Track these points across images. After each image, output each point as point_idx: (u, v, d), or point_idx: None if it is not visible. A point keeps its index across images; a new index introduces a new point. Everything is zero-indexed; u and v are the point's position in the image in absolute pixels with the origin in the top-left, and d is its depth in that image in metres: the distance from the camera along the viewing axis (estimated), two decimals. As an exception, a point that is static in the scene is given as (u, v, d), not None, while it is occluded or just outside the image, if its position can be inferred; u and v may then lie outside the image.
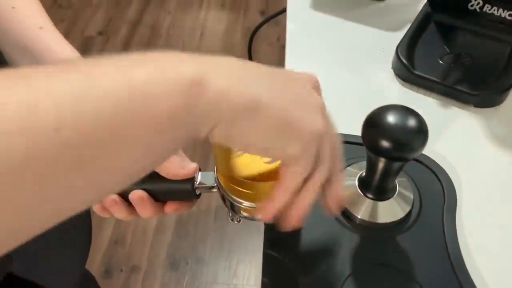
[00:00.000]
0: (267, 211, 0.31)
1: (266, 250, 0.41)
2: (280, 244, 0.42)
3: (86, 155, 0.19)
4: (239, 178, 0.35)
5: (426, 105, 0.53)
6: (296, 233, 0.42)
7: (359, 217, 0.42)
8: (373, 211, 0.42)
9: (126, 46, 2.09)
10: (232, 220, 0.41)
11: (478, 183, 0.46)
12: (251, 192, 0.37)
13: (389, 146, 0.36)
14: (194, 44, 2.13)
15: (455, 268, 0.39)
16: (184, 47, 2.11)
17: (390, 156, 0.36)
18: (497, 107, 0.53)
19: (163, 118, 0.21)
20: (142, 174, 0.23)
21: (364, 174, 0.42)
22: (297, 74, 0.30)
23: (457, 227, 0.42)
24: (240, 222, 0.41)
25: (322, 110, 0.29)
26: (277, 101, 0.26)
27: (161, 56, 0.23)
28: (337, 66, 0.58)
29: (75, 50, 0.48)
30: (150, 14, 2.23)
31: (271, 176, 0.34)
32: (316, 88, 0.32)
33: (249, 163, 0.35)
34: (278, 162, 0.33)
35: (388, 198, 0.42)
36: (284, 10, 0.71)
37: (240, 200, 0.37)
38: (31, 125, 0.17)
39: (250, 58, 1.07)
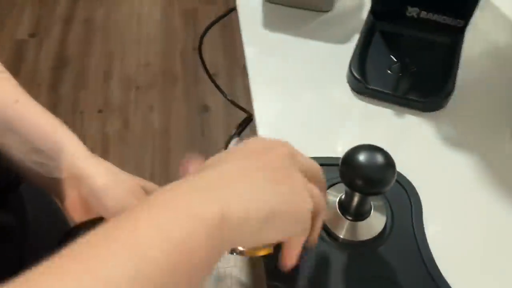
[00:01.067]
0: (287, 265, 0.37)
1: (269, 281, 0.47)
2: (279, 273, 0.47)
3: None
4: None
5: (382, 116, 0.59)
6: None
7: (341, 236, 0.48)
8: (353, 231, 0.48)
9: (62, 46, 2.02)
10: (231, 253, 0.47)
11: (437, 184, 0.53)
12: None
13: (364, 184, 0.41)
14: (133, 34, 2.09)
15: (430, 270, 0.46)
16: (123, 38, 2.07)
17: (367, 192, 0.42)
18: (443, 109, 0.59)
19: (202, 258, 0.26)
20: None
21: (343, 197, 0.48)
22: (275, 155, 0.35)
23: (426, 230, 0.49)
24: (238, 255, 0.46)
25: (304, 184, 0.35)
26: (281, 201, 0.31)
27: (179, 194, 0.27)
28: (297, 86, 0.63)
29: (53, 116, 0.50)
30: (82, 9, 2.15)
31: None
32: (293, 155, 0.36)
33: None
34: None
35: (365, 218, 0.48)
36: (233, 9, 0.74)
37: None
38: None
39: (201, 54, 1.08)
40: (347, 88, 0.62)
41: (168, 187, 0.29)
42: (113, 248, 0.24)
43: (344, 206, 0.48)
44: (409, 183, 0.52)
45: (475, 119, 0.59)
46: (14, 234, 0.50)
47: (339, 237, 0.48)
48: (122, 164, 1.73)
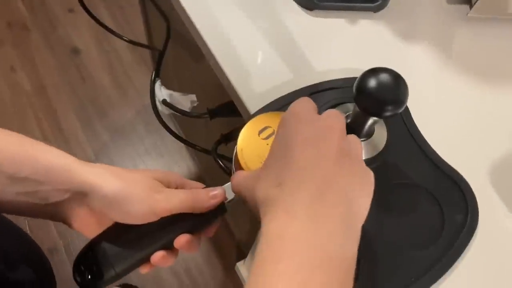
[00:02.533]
0: None
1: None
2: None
3: None
4: None
5: (337, 27, 0.58)
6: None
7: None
8: (364, 150, 0.49)
9: None
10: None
11: (409, 79, 0.56)
12: None
13: (387, 108, 0.41)
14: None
15: (436, 163, 0.50)
16: None
17: (386, 115, 0.42)
18: (390, 3, 0.60)
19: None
20: None
21: (349, 120, 0.48)
22: (337, 138, 0.34)
23: (420, 128, 0.52)
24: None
25: (360, 154, 0.37)
26: (366, 194, 0.34)
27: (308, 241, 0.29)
28: (244, 17, 0.58)
29: (12, 133, 0.40)
30: None
31: None
32: (337, 123, 0.36)
33: None
34: None
35: (371, 136, 0.49)
36: None
37: None
38: None
39: None
40: (295, 6, 0.59)
41: (276, 240, 0.29)
42: None
43: (350, 129, 0.48)
44: (389, 87, 0.54)
45: (421, 4, 0.61)
46: None
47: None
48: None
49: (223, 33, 0.56)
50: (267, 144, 0.43)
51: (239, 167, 0.43)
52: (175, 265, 1.32)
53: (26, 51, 1.64)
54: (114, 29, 1.74)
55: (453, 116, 0.55)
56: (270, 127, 0.44)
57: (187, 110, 0.83)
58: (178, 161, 1.46)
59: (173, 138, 0.83)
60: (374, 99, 0.41)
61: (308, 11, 0.59)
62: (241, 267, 1.32)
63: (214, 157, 0.69)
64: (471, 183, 0.49)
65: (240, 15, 0.58)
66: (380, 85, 0.41)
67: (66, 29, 1.69)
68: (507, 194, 0.51)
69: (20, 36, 1.67)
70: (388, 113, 0.42)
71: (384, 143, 0.50)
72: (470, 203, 0.49)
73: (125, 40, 0.97)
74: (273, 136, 0.40)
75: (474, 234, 0.48)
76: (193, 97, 0.83)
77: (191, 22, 0.57)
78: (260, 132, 0.44)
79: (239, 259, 1.31)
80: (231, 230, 1.29)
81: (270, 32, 0.57)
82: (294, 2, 0.59)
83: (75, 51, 1.66)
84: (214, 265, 1.33)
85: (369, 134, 0.49)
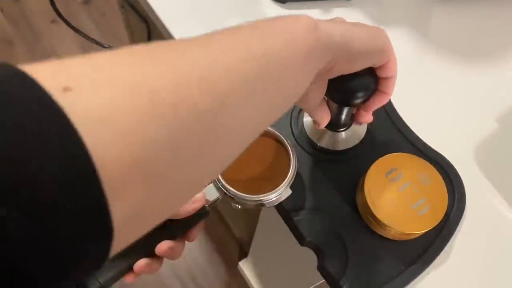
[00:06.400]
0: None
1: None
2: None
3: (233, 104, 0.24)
4: None
5: (314, 16, 0.57)
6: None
7: (340, 149, 0.49)
8: (349, 138, 0.49)
9: None
10: (236, 208, 0.46)
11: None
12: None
13: (361, 95, 0.40)
14: None
15: (419, 147, 0.50)
16: None
17: (359, 103, 0.42)
18: (362, -10, 0.60)
19: (297, 68, 0.29)
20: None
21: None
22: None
23: (401, 113, 0.51)
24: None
25: None
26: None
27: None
28: (219, 16, 0.57)
29: None
30: None
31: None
32: None
33: None
34: None
35: (351, 125, 0.49)
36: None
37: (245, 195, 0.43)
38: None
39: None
40: (266, 0, 0.58)
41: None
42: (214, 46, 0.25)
43: (332, 122, 0.48)
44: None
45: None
46: None
47: (339, 150, 0.49)
48: None
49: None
50: (397, 188, 0.44)
51: (365, 206, 0.44)
52: (178, 268, 1.32)
53: (12, 65, 1.63)
54: (98, 36, 1.74)
55: (434, 99, 0.54)
56: (396, 169, 0.45)
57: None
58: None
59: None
60: (340, 87, 0.40)
61: (281, 4, 0.58)
62: (244, 265, 1.32)
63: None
64: (457, 165, 0.49)
65: (211, 16, 0.57)
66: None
67: (51, 40, 1.68)
68: (492, 174, 0.50)
69: (4, 51, 1.66)
70: (357, 101, 0.41)
71: (365, 131, 0.50)
72: (457, 187, 0.48)
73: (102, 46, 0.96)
74: (402, 179, 0.43)
75: (463, 217, 0.47)
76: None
77: (166, 29, 0.56)
78: (388, 173, 0.44)
79: (241, 258, 1.31)
80: (231, 229, 1.29)
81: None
82: (266, -4, 0.59)
83: (61, 62, 1.65)
84: (217, 265, 1.32)
85: (349, 123, 0.48)
